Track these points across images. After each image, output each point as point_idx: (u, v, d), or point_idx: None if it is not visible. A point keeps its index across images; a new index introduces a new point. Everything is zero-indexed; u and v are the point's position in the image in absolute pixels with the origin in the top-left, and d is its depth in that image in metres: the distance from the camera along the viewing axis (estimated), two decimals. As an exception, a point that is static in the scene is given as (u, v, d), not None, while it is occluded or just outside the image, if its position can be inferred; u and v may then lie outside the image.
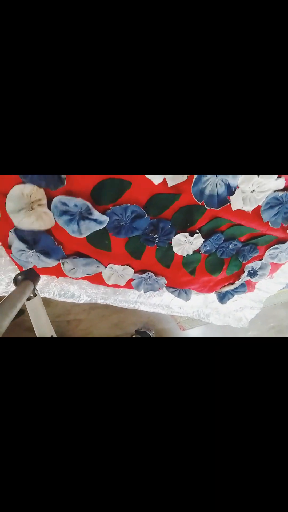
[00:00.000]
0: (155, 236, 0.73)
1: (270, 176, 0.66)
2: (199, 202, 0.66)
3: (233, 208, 0.70)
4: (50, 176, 0.57)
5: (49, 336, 0.65)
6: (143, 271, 0.91)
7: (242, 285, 1.08)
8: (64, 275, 0.92)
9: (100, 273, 0.90)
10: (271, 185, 0.68)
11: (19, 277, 0.60)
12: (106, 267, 0.87)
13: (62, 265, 0.86)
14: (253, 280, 1.03)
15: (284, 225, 0.79)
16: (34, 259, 0.81)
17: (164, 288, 1.00)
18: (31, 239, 0.75)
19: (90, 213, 0.65)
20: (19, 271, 0.88)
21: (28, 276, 0.60)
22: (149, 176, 0.60)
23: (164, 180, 0.61)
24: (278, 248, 0.89)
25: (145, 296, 1.10)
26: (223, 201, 0.67)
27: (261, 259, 0.94)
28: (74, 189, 0.62)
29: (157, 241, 0.75)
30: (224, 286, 1.06)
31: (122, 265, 0.87)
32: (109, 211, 0.66)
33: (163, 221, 0.70)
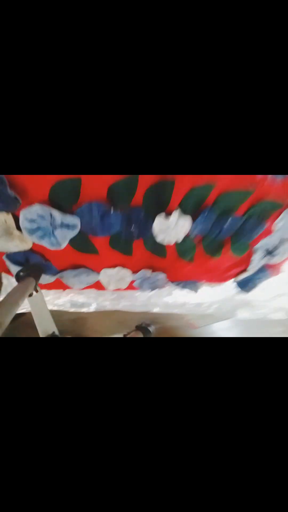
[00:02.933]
0: (132, 229, 0.69)
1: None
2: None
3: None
4: (3, 198, 0.58)
5: (51, 332, 0.64)
6: (142, 270, 0.87)
7: (261, 269, 0.95)
8: (69, 287, 0.94)
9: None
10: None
11: (21, 273, 0.61)
12: (100, 273, 0.86)
13: (61, 279, 0.88)
14: (272, 262, 0.90)
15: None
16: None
17: (169, 284, 0.94)
18: (23, 260, 0.79)
19: (60, 220, 0.65)
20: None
21: (30, 272, 0.60)
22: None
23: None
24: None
25: (155, 297, 1.05)
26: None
27: (271, 234, 0.81)
28: (32, 200, 0.62)
29: (136, 234, 0.71)
30: (239, 274, 0.95)
31: (115, 267, 0.85)
32: (77, 211, 0.66)
33: (134, 209, 0.67)
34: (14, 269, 0.80)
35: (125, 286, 0.93)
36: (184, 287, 0.92)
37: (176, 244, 0.77)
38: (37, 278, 0.62)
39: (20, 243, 0.72)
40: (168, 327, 1.41)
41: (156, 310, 1.09)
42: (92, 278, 0.88)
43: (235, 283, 0.98)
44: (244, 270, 0.94)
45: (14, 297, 0.51)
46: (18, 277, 0.60)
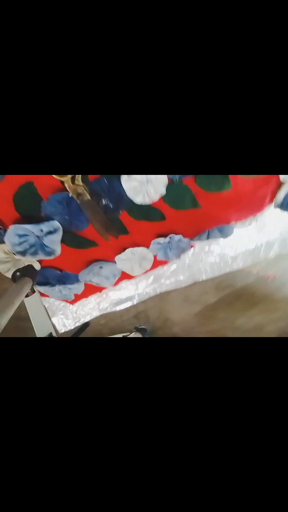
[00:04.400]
0: (105, 202, 0.63)
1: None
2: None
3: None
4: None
5: (49, 333, 0.63)
6: (153, 241, 0.78)
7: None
8: (104, 288, 0.94)
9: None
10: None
11: (17, 273, 0.60)
12: (115, 262, 0.82)
13: (86, 281, 0.89)
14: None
15: None
16: (66, 291, 0.89)
17: (196, 242, 0.81)
18: (44, 279, 0.84)
19: (41, 230, 0.65)
20: (70, 304, 0.99)
21: (26, 273, 0.60)
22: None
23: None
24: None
25: (195, 262, 0.92)
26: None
27: None
28: (7, 223, 0.64)
29: (113, 206, 0.64)
30: (277, 192, 0.72)
31: (124, 250, 0.79)
32: (44, 213, 0.64)
33: (95, 182, 0.60)
34: (45, 290, 0.87)
35: (150, 265, 0.86)
36: (209, 236, 0.77)
37: (164, 198, 0.65)
38: (33, 278, 0.61)
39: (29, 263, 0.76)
40: (239, 289, 1.22)
41: (204, 276, 0.96)
42: (112, 270, 0.85)
43: (278, 208, 0.75)
44: (280, 185, 0.71)
45: (10, 297, 0.51)
46: (14, 278, 0.60)
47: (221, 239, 0.80)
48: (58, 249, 0.71)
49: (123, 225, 0.71)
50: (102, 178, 0.60)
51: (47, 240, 0.68)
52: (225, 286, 1.19)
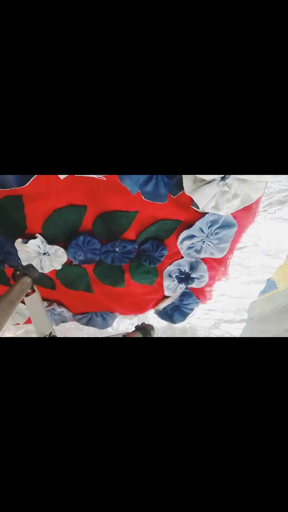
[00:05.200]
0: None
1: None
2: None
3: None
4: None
5: (48, 332, 0.62)
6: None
7: (187, 295, 0.83)
8: None
9: None
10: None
11: (17, 272, 0.58)
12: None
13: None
14: (194, 286, 0.78)
15: (172, 196, 0.57)
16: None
17: (76, 316, 0.81)
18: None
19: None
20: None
21: (26, 272, 0.57)
22: None
23: None
24: (192, 235, 0.64)
25: (74, 329, 0.91)
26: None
27: (180, 257, 0.70)
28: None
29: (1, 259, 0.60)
30: (160, 303, 0.82)
31: None
32: None
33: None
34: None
35: (23, 322, 0.80)
36: (89, 322, 0.79)
37: (57, 273, 0.65)
38: (34, 277, 0.59)
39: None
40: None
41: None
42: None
43: (156, 313, 0.84)
44: (164, 298, 0.81)
45: (10, 296, 0.50)
46: (14, 277, 0.58)
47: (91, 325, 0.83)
48: None
49: (7, 276, 0.67)
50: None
51: None
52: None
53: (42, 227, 0.57)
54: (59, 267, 0.63)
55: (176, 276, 0.74)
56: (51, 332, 0.63)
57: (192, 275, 0.75)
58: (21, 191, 0.52)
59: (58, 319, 0.82)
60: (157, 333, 0.98)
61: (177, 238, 0.66)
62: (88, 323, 0.79)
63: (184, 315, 0.88)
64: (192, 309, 0.87)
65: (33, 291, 0.60)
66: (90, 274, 0.68)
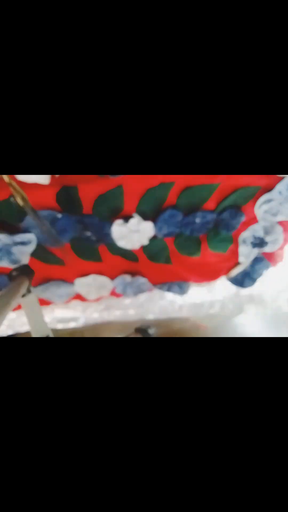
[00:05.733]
0: (89, 234, 0.65)
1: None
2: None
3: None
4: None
5: (45, 335, 0.61)
6: (120, 276, 0.83)
7: (259, 260, 0.85)
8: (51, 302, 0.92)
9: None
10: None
11: (14, 272, 0.58)
12: (74, 283, 0.83)
13: (41, 297, 0.87)
14: (267, 250, 0.80)
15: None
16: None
17: (155, 287, 0.88)
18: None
19: (11, 240, 0.64)
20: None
21: (22, 272, 0.58)
22: (33, 177, 0.55)
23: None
24: (271, 199, 0.66)
25: (148, 302, 1.00)
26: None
27: (256, 221, 0.72)
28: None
29: (95, 239, 0.67)
30: (232, 269, 0.86)
31: (89, 275, 0.81)
32: (24, 225, 0.64)
33: (88, 216, 0.63)
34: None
35: (107, 293, 0.89)
36: (169, 289, 0.85)
37: (144, 248, 0.71)
38: (30, 277, 0.59)
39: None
40: (175, 330, 1.34)
41: (151, 316, 1.03)
42: (68, 290, 0.86)
43: (228, 280, 0.89)
44: (236, 264, 0.85)
45: (6, 297, 0.49)
46: (10, 277, 0.58)
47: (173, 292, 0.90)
48: (25, 260, 0.70)
49: (99, 254, 0.75)
50: (93, 217, 0.63)
51: (16, 249, 0.67)
52: (163, 326, 1.29)
53: (136, 206, 0.63)
54: (146, 242, 0.69)
55: (250, 241, 0.77)
56: (48, 335, 0.61)
57: (266, 239, 0.77)
58: (120, 181, 0.57)
59: (136, 291, 0.90)
60: (225, 303, 1.03)
61: (255, 203, 0.67)
62: (169, 290, 0.85)
63: (253, 280, 0.91)
64: (262, 274, 0.90)
65: (30, 291, 0.59)
66: (170, 246, 0.73)
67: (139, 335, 1.15)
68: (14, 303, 0.50)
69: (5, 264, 0.69)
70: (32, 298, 0.59)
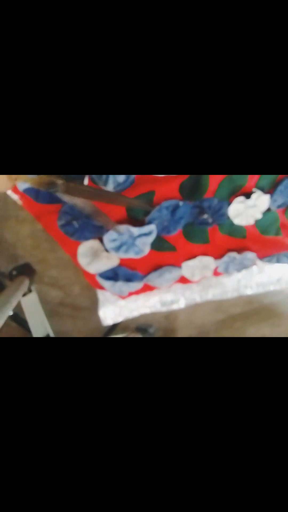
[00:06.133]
0: (205, 217, 0.70)
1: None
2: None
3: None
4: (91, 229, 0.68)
5: (45, 334, 0.62)
6: (227, 254, 0.86)
7: None
8: (155, 288, 1.00)
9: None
10: None
11: (14, 272, 0.59)
12: (181, 267, 0.89)
13: (148, 282, 0.95)
14: None
15: None
16: (124, 288, 0.95)
17: (258, 261, 0.90)
18: (114, 275, 0.90)
19: (137, 232, 0.71)
20: (120, 299, 1.05)
21: (23, 271, 0.59)
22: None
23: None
24: None
25: (245, 279, 1.02)
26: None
27: None
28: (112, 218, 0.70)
29: (210, 221, 0.71)
30: None
31: (195, 258, 0.86)
32: (148, 218, 0.70)
33: (206, 200, 0.67)
34: (107, 284, 0.92)
35: (211, 273, 0.94)
36: (278, 261, 0.87)
37: (256, 222, 0.73)
38: (30, 277, 0.60)
39: (108, 261, 0.82)
40: (267, 305, 1.34)
41: (249, 292, 1.06)
42: (175, 274, 0.92)
43: None
44: None
45: (6, 296, 0.50)
46: (11, 276, 0.58)
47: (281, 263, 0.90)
48: (146, 250, 0.77)
49: (208, 236, 0.79)
50: (214, 198, 0.67)
51: (139, 241, 0.74)
52: (254, 301, 1.30)
53: (256, 182, 0.65)
54: (260, 216, 0.71)
55: None
56: (48, 334, 0.61)
57: None
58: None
59: (239, 268, 0.92)
60: None
61: None
62: (278, 261, 0.87)
63: None
64: None
65: (30, 290, 0.59)
66: (281, 217, 0.74)
67: (139, 335, 1.17)
68: (15, 302, 0.51)
69: (131, 255, 0.77)
70: (33, 297, 0.61)
